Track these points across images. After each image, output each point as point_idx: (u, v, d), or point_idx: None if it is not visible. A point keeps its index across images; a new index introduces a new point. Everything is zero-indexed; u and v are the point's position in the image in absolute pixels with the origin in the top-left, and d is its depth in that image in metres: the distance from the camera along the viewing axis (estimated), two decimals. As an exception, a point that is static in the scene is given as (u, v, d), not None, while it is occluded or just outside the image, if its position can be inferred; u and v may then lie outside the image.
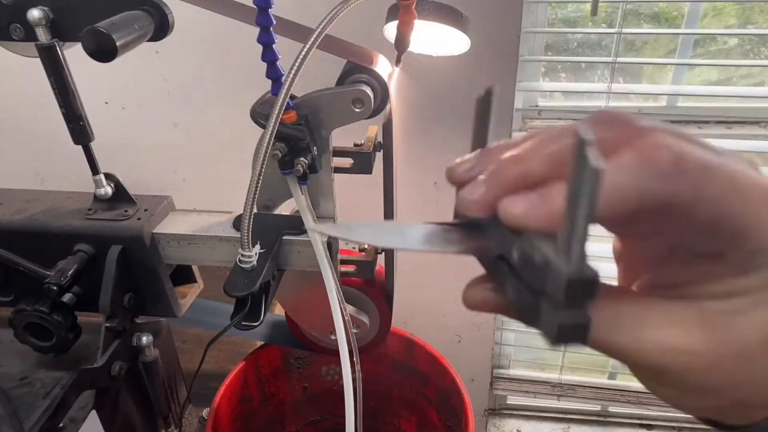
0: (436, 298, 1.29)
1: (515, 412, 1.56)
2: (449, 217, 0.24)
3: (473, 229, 0.23)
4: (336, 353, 0.56)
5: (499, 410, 1.56)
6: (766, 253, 0.19)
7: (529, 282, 0.20)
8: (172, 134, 1.15)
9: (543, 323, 0.18)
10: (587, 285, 0.17)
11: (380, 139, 0.55)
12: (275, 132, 0.45)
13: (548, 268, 0.18)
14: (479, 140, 0.24)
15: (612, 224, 0.21)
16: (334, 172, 0.56)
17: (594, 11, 0.97)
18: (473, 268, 0.23)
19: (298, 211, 0.55)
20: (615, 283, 0.25)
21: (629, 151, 0.18)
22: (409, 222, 0.23)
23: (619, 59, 1.07)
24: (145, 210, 0.57)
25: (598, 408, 1.52)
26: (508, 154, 0.22)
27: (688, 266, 0.21)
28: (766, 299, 0.20)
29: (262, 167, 0.45)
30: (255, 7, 0.43)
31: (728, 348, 0.20)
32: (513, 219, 0.20)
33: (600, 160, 0.16)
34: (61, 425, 0.53)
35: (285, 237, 0.55)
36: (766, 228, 0.19)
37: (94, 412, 0.56)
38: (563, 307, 0.17)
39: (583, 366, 1.46)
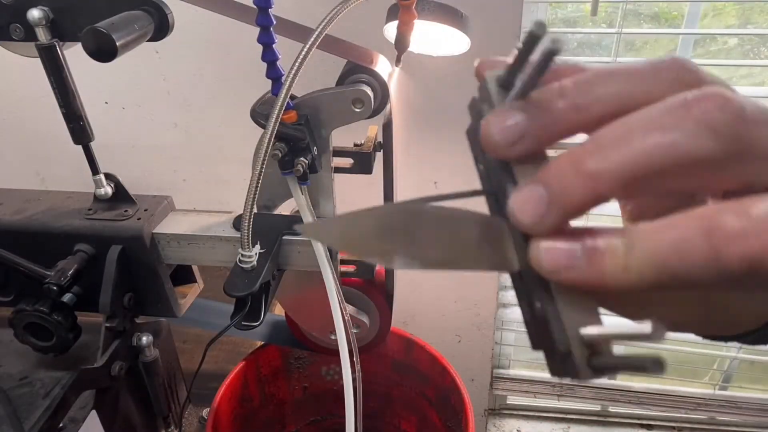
0: (436, 298, 1.29)
1: (515, 412, 1.56)
2: None
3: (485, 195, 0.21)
4: (336, 353, 0.56)
5: (499, 410, 1.56)
6: None
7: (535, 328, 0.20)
8: (172, 134, 1.15)
9: (547, 359, 0.19)
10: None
11: (380, 139, 0.55)
12: (275, 132, 0.45)
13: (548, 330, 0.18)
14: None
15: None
16: (334, 172, 0.56)
17: (594, 11, 0.97)
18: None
19: (298, 211, 0.55)
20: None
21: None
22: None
23: (619, 59, 1.07)
24: (145, 210, 0.57)
25: (598, 408, 1.52)
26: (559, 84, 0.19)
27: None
28: None
29: (262, 167, 0.45)
30: (255, 7, 0.43)
31: None
32: (546, 273, 0.18)
33: None
34: (61, 425, 0.53)
35: (285, 237, 0.55)
36: None
37: (94, 412, 0.56)
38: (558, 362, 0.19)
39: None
